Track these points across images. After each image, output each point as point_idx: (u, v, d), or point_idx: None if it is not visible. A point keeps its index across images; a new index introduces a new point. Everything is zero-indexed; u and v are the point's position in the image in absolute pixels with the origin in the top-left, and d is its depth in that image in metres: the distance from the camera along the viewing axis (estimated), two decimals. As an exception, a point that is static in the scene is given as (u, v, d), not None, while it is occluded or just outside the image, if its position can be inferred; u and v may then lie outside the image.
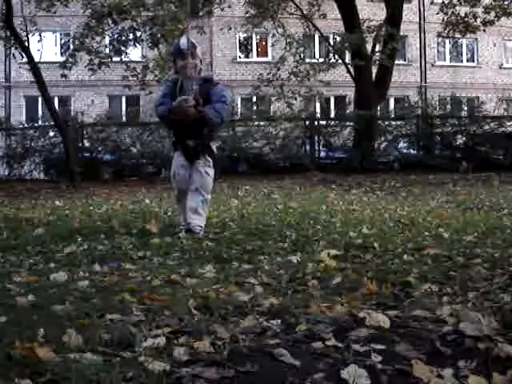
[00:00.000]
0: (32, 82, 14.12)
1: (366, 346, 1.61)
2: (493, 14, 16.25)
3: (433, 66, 27.28)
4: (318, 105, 19.94)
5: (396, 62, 16.86)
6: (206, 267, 2.88)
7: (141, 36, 15.02)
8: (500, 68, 27.74)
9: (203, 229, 4.07)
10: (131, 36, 14.88)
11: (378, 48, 15.70)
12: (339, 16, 16.12)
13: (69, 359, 1.47)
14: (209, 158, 4.10)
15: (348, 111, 17.62)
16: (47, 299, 2.12)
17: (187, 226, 4.03)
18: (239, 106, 22.35)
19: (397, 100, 23.81)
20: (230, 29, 16.36)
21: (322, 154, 15.77)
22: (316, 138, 15.63)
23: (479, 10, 16.33)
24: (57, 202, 7.87)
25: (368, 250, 3.33)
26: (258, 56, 25.59)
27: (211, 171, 4.16)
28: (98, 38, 14.52)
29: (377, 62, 15.58)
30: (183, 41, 4.13)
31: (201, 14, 16.05)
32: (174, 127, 4.19)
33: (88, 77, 15.76)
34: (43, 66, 14.47)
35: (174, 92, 4.00)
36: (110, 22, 14.10)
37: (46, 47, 18.60)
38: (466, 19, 16.44)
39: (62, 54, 19.40)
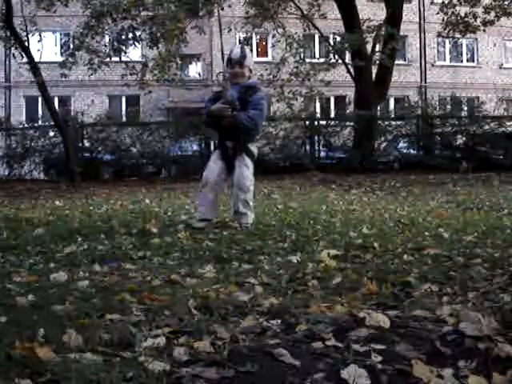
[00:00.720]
0: (32, 82, 14.13)
1: (366, 346, 1.60)
2: (493, 13, 16.25)
3: (433, 65, 27.29)
4: (318, 105, 19.94)
5: (396, 61, 16.86)
6: (205, 267, 2.87)
7: (140, 35, 15.02)
8: (500, 68, 27.74)
9: (250, 223, 4.40)
10: (131, 35, 14.87)
11: (378, 48, 15.70)
12: (339, 16, 16.11)
13: (69, 359, 1.47)
14: (246, 159, 4.43)
15: (348, 111, 17.62)
16: (47, 299, 2.12)
17: (240, 224, 4.37)
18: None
19: (397, 100, 23.82)
20: (230, 30, 16.36)
21: (322, 153, 15.77)
22: (316, 137, 15.64)
23: (479, 10, 16.33)
24: (57, 202, 7.86)
25: (368, 250, 3.33)
26: (258, 56, 25.59)
27: (249, 170, 4.48)
28: (97, 38, 14.51)
29: (377, 62, 15.58)
30: (235, 50, 4.50)
31: (201, 13, 16.05)
32: (216, 130, 4.58)
33: (88, 77, 15.75)
34: (43, 66, 14.47)
35: (219, 97, 4.42)
36: (110, 21, 14.09)
37: (46, 47, 18.62)
38: (466, 19, 16.44)
39: (61, 54, 19.41)
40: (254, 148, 4.55)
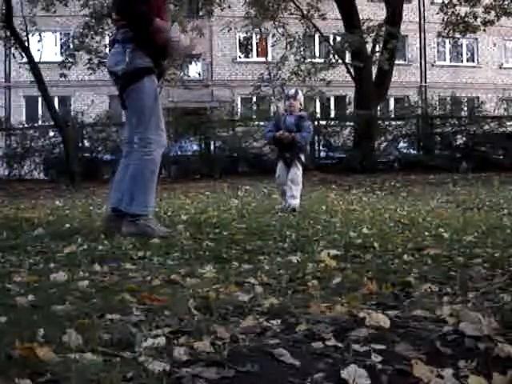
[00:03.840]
0: (32, 82, 14.13)
1: (366, 345, 1.60)
2: (493, 13, 16.26)
3: (433, 66, 27.30)
4: (318, 105, 19.95)
5: (396, 61, 16.86)
6: (205, 267, 2.87)
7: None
8: (500, 68, 27.75)
9: (297, 207, 6.02)
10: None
11: (378, 48, 15.71)
12: (339, 16, 16.12)
13: (69, 359, 1.46)
14: (298, 164, 6.23)
15: (348, 111, 17.62)
16: (47, 299, 2.11)
17: (288, 207, 5.99)
18: (239, 105, 22.36)
19: (397, 100, 23.82)
20: (230, 29, 16.36)
21: (322, 153, 15.78)
22: (316, 137, 15.63)
23: (479, 10, 16.34)
24: (57, 202, 7.87)
25: (368, 250, 3.33)
26: (257, 56, 25.58)
27: (299, 172, 6.25)
28: (97, 38, 14.51)
29: (377, 62, 15.59)
30: (291, 90, 6.56)
31: (201, 13, 16.06)
32: (278, 146, 6.38)
33: (88, 77, 15.76)
34: (43, 66, 14.47)
35: (279, 123, 6.31)
36: (110, 21, 14.10)
37: (46, 47, 18.62)
38: (466, 19, 16.45)
39: (61, 54, 19.42)
40: (302, 157, 6.33)
